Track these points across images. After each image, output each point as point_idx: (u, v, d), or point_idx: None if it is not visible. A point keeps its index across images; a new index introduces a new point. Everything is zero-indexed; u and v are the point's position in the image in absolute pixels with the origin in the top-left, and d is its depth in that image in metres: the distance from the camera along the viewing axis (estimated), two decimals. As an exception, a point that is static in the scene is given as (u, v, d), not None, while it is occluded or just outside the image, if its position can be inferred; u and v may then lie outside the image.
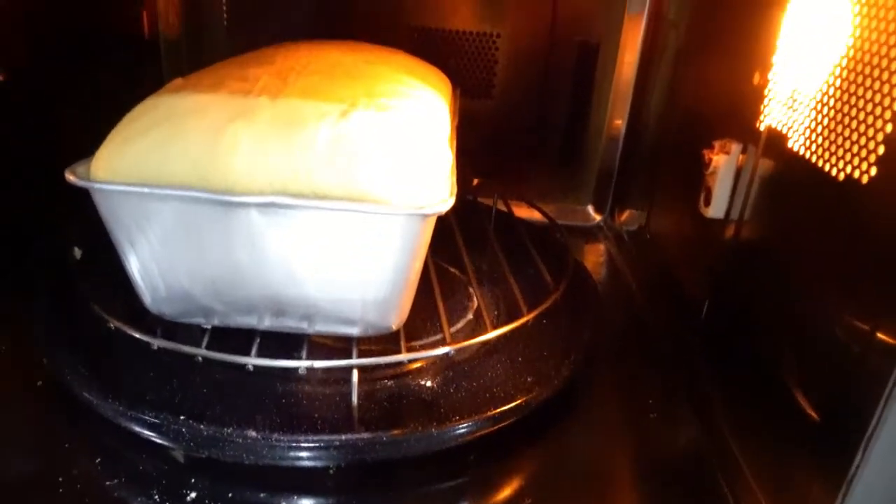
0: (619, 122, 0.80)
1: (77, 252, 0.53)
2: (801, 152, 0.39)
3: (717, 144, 0.48)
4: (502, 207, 0.71)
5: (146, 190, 0.38)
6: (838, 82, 0.36)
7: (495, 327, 0.49)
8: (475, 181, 0.73)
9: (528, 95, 0.80)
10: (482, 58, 0.79)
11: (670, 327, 0.59)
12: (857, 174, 0.34)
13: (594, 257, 0.77)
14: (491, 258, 0.63)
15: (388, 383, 0.47)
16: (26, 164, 0.56)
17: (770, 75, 0.44)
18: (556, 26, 0.78)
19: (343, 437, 0.39)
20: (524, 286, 0.55)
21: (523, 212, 0.72)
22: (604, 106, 0.79)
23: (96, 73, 0.65)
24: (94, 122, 0.43)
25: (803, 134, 0.39)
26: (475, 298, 0.57)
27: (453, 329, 0.53)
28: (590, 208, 0.83)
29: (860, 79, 0.34)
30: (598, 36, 0.77)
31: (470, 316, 0.56)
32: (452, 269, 0.62)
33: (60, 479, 0.39)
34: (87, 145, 0.42)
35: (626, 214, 0.79)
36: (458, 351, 0.48)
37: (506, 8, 0.77)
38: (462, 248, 0.61)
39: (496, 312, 0.57)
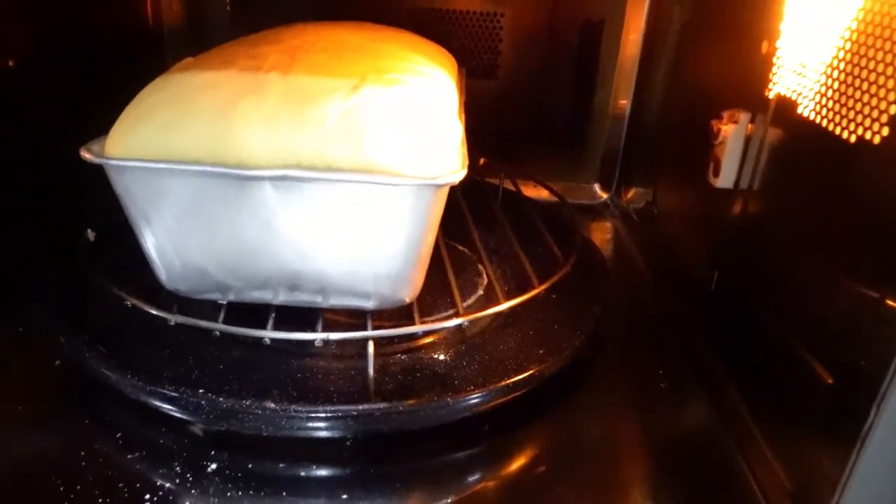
0: (625, 102, 0.80)
1: (90, 234, 0.54)
2: (812, 117, 0.39)
3: (725, 114, 0.48)
4: (510, 186, 0.71)
5: (160, 165, 0.38)
6: (848, 45, 0.36)
7: (507, 301, 0.49)
8: (481, 161, 0.73)
9: (533, 75, 0.80)
10: (486, 38, 0.79)
11: (679, 301, 0.59)
12: (868, 135, 0.34)
13: (601, 235, 0.77)
14: (500, 236, 0.63)
15: (402, 357, 0.48)
16: (36, 151, 0.56)
17: (778, 43, 0.44)
18: (560, 5, 0.78)
19: (360, 407, 0.40)
20: (534, 262, 0.56)
21: (530, 191, 0.72)
22: (608, 84, 0.79)
23: (100, 59, 0.65)
24: (100, 107, 0.43)
25: (813, 99, 0.39)
26: (485, 275, 0.58)
27: (465, 304, 0.53)
28: (596, 186, 0.83)
29: (871, 40, 0.34)
30: (601, 14, 0.77)
31: (480, 292, 0.57)
32: (462, 248, 0.63)
33: (82, 453, 0.40)
34: (93, 130, 0.42)
35: (632, 192, 0.80)
36: (471, 325, 0.48)
37: (508, -15, 0.77)
38: (471, 226, 0.61)
39: (506, 288, 0.58)
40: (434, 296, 0.53)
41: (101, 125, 0.42)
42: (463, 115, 0.50)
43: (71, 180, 0.40)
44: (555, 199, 0.69)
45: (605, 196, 0.83)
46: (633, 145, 0.79)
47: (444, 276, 0.53)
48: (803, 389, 0.39)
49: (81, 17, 0.64)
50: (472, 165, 0.74)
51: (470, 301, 0.56)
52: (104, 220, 0.45)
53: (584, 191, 0.83)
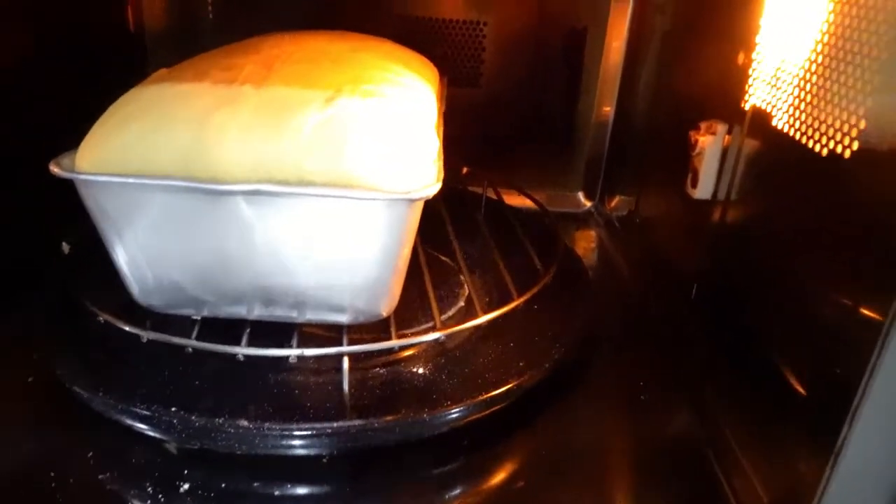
0: (608, 109, 0.80)
1: (65, 247, 0.53)
2: (786, 130, 0.40)
3: (702, 125, 0.48)
4: (492, 195, 0.71)
5: (131, 180, 0.38)
6: (820, 58, 0.36)
7: (486, 313, 0.49)
8: (464, 170, 0.73)
9: (516, 83, 0.80)
10: (469, 46, 0.79)
11: (661, 310, 0.59)
12: (839, 149, 0.34)
13: (585, 243, 0.77)
14: (481, 246, 0.63)
15: (380, 371, 0.47)
16: (11, 161, 0.55)
17: (754, 55, 0.44)
18: (543, 13, 0.78)
19: (335, 424, 0.39)
20: (515, 273, 0.56)
21: (513, 199, 0.72)
22: (592, 92, 0.79)
23: (80, 66, 0.65)
24: (78, 115, 0.42)
25: (787, 112, 0.39)
26: (466, 286, 0.57)
27: (444, 317, 0.53)
28: (580, 195, 0.83)
29: (841, 54, 0.34)
30: (585, 21, 0.77)
31: (461, 303, 0.56)
32: (443, 258, 0.62)
33: (52, 473, 0.39)
34: (72, 139, 0.41)
35: (616, 200, 0.80)
36: (450, 338, 0.48)
37: (492, -5, 0.77)
38: (452, 236, 0.61)
39: (487, 299, 0.57)
40: (414, 308, 0.52)
41: (81, 132, 0.41)
42: (442, 126, 0.50)
43: (67, 182, 0.39)
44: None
45: (589, 204, 0.83)
46: (618, 153, 0.79)
47: (423, 289, 0.52)
48: (780, 401, 0.39)
49: (60, 21, 0.63)
50: (455, 174, 0.75)
51: (450, 313, 0.55)
52: (82, 231, 0.44)
53: (568, 199, 0.83)
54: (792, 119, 0.39)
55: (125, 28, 0.75)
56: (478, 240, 0.64)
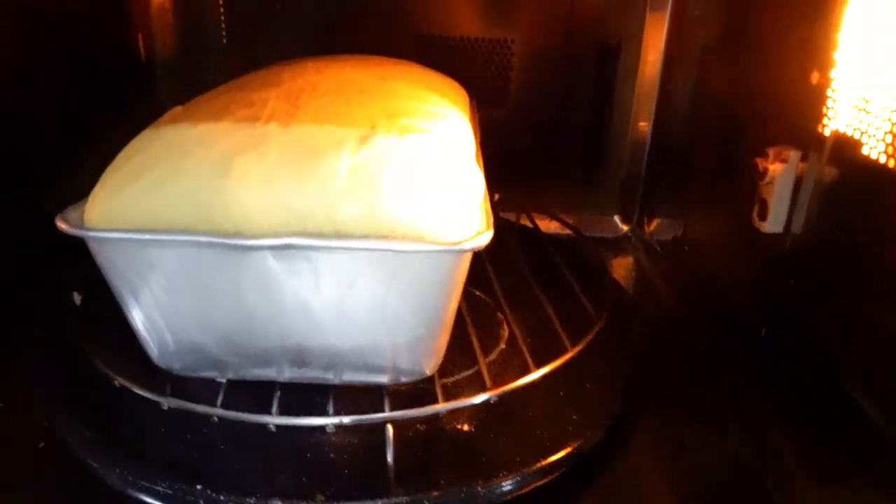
0: (645, 125, 0.75)
1: (77, 297, 0.49)
2: (882, 160, 0.35)
3: (771, 152, 0.44)
4: (527, 222, 0.67)
5: (147, 237, 0.34)
6: (927, 81, 0.32)
7: (534, 360, 0.44)
8: (496, 196, 0.69)
9: (546, 102, 0.76)
10: (496, 65, 0.75)
11: (717, 348, 0.55)
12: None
13: (623, 271, 0.72)
14: (518, 279, 0.58)
15: (420, 429, 0.43)
16: (15, 200, 0.52)
17: (832, 74, 0.40)
18: (574, 28, 0.74)
19: (379, 502, 0.35)
20: (559, 311, 0.51)
21: (546, 223, 0.68)
22: (627, 109, 0.75)
23: (89, 97, 0.62)
24: (89, 151, 0.39)
25: (882, 140, 0.35)
26: (506, 325, 0.53)
27: (487, 360, 0.49)
28: (616, 218, 0.79)
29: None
30: (618, 36, 0.73)
31: (503, 346, 0.52)
32: (478, 293, 0.58)
33: (66, 560, 0.35)
34: (83, 175, 0.38)
35: (654, 224, 0.75)
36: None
37: (519, 11, 0.73)
38: (488, 268, 0.57)
39: (529, 340, 0.53)
40: (454, 350, 0.48)
41: (92, 168, 0.38)
42: (481, 159, 0.46)
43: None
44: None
45: (626, 228, 0.78)
46: (656, 173, 0.75)
47: (464, 330, 0.48)
48: (871, 454, 0.34)
49: (69, 51, 0.61)
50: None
51: (492, 356, 0.51)
52: (95, 279, 0.40)
53: (603, 223, 0.79)
54: (890, 147, 0.34)
55: (134, 57, 0.73)
56: (514, 272, 0.59)
